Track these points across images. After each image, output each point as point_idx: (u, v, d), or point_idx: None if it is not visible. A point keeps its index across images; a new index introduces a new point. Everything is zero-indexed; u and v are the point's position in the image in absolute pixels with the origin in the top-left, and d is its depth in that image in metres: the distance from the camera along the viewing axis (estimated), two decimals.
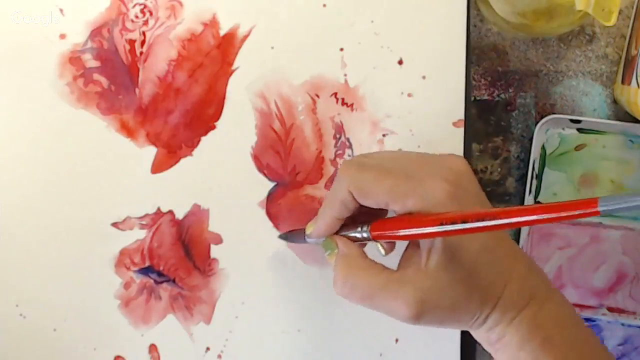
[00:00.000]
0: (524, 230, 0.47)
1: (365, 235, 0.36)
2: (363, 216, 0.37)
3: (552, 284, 0.36)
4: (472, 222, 0.29)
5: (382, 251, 0.37)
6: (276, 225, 0.44)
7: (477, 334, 0.36)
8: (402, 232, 0.33)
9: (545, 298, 0.35)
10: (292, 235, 0.43)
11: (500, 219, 0.28)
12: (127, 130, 0.44)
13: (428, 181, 0.34)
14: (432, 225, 0.31)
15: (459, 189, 0.34)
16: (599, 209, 0.25)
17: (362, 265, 0.35)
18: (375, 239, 0.36)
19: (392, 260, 0.36)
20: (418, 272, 0.34)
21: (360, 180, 0.35)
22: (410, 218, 0.33)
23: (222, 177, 0.44)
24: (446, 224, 0.30)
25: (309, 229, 0.39)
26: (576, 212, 0.26)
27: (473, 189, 0.35)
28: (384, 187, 0.34)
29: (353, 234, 0.37)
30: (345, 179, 0.36)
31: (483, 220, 0.29)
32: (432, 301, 0.33)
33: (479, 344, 0.36)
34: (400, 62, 0.44)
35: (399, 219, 0.34)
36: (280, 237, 0.44)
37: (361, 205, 0.36)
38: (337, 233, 0.38)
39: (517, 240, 0.47)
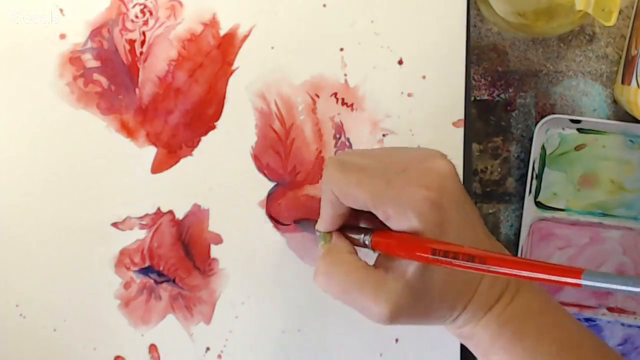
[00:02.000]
0: (524, 231, 0.47)
1: (367, 243, 0.36)
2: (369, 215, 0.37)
3: None
4: (461, 259, 0.30)
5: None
6: (276, 225, 0.44)
7: (449, 330, 0.37)
8: (398, 251, 0.34)
9: (516, 290, 0.35)
10: (307, 223, 0.43)
11: (488, 265, 0.29)
12: (127, 130, 0.44)
13: (409, 189, 0.33)
14: (422, 255, 0.32)
15: (442, 196, 0.34)
16: (582, 282, 0.26)
17: (345, 260, 0.35)
18: (374, 249, 0.36)
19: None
20: (396, 275, 0.34)
21: (342, 183, 0.35)
22: (405, 239, 0.33)
23: (222, 177, 0.44)
24: (438, 254, 0.31)
25: (317, 224, 0.39)
26: (559, 279, 0.27)
27: (457, 192, 0.35)
28: (364, 193, 0.34)
29: (356, 237, 0.37)
30: (328, 181, 0.36)
31: (472, 261, 0.30)
32: (407, 306, 0.33)
33: None
34: (400, 62, 0.44)
35: (395, 237, 0.34)
36: (296, 223, 0.44)
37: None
38: (343, 230, 0.38)
39: (517, 240, 0.47)
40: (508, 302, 0.35)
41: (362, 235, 0.36)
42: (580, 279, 0.26)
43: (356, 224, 0.38)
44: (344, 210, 0.36)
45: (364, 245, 0.36)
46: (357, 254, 0.36)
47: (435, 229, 0.33)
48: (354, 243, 0.37)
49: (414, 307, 0.34)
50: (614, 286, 0.25)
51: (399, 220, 0.33)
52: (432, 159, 0.35)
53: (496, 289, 0.35)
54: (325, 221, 0.37)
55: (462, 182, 0.36)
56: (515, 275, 0.28)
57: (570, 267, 0.27)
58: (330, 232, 0.38)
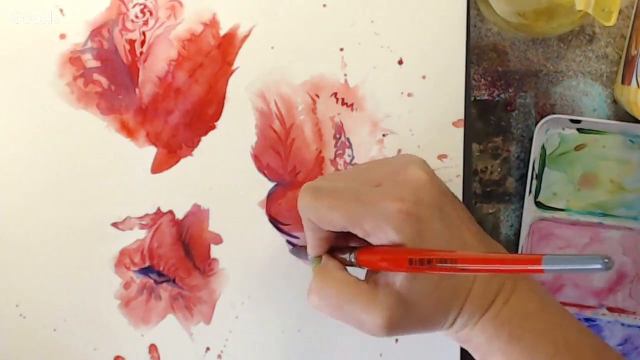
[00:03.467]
0: (524, 231, 0.47)
1: (353, 260, 0.36)
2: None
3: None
4: (435, 263, 0.31)
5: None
6: (276, 225, 0.44)
7: (448, 335, 0.37)
8: (380, 264, 0.34)
9: (512, 290, 0.35)
10: (299, 250, 0.43)
11: (459, 264, 0.30)
12: (127, 130, 0.44)
13: (382, 203, 0.34)
14: (402, 265, 0.32)
15: (418, 206, 0.34)
16: (543, 267, 0.27)
17: (335, 277, 0.36)
18: (360, 265, 0.36)
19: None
20: (385, 287, 0.34)
21: (316, 209, 0.35)
22: (386, 252, 0.34)
23: (222, 177, 0.44)
24: (415, 263, 0.32)
25: (307, 249, 0.39)
26: (520, 267, 0.28)
27: (434, 199, 0.35)
28: (338, 214, 0.34)
29: (343, 257, 0.37)
30: (302, 210, 0.36)
31: (445, 262, 0.31)
32: (400, 316, 0.34)
33: None
34: (400, 62, 0.44)
35: (376, 252, 0.34)
36: (291, 251, 0.44)
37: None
38: (331, 252, 0.38)
39: (517, 240, 0.47)
40: (503, 303, 0.35)
41: (348, 254, 0.37)
42: (540, 264, 0.26)
43: (346, 244, 0.38)
44: (326, 234, 0.37)
45: (351, 264, 0.37)
46: (347, 270, 0.37)
47: (416, 239, 0.33)
48: (343, 263, 0.37)
49: (407, 316, 0.34)
50: (573, 266, 0.26)
51: (378, 235, 0.34)
52: (406, 169, 0.35)
53: (490, 291, 0.35)
54: (312, 247, 0.38)
55: (441, 186, 0.36)
56: (483, 270, 0.30)
57: (532, 255, 0.27)
58: (319, 256, 0.38)
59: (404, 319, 0.34)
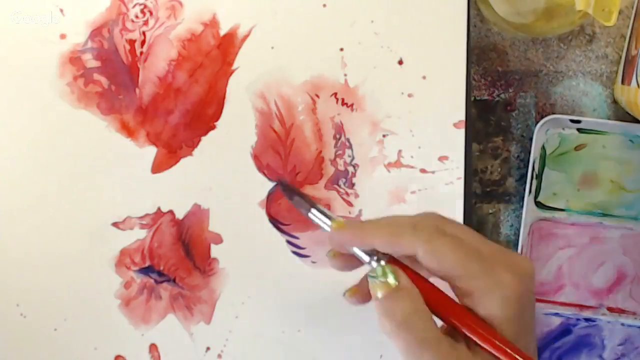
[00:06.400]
0: (524, 231, 0.47)
1: (379, 264, 0.33)
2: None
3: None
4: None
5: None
6: (276, 225, 0.44)
7: None
8: (451, 318, 0.32)
9: None
10: (298, 199, 0.38)
11: None
12: (127, 130, 0.44)
13: (501, 271, 0.32)
14: (494, 346, 0.31)
15: (525, 294, 0.32)
16: None
17: (428, 316, 0.32)
18: (389, 264, 0.33)
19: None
20: (467, 353, 0.32)
21: (439, 241, 0.32)
22: (474, 320, 0.32)
23: (222, 177, 0.44)
24: (498, 349, 0.31)
25: (339, 225, 0.35)
26: None
27: (532, 297, 0.33)
28: (458, 257, 0.32)
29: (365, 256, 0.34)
30: (421, 238, 0.32)
31: None
32: None
33: None
34: (400, 62, 0.44)
35: (460, 310, 0.32)
36: (285, 190, 0.41)
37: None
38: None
39: (517, 240, 0.47)
40: None
41: (371, 257, 0.34)
42: None
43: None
44: (394, 251, 0.33)
45: (367, 263, 0.34)
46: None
47: (513, 322, 0.32)
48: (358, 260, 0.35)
49: None
50: None
51: (482, 298, 0.32)
52: (513, 255, 0.34)
53: None
54: (366, 239, 0.34)
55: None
56: None
57: None
58: (391, 266, 0.33)
59: None
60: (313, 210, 0.37)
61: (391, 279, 0.33)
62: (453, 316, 0.32)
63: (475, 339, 0.32)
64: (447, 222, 0.34)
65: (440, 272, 0.32)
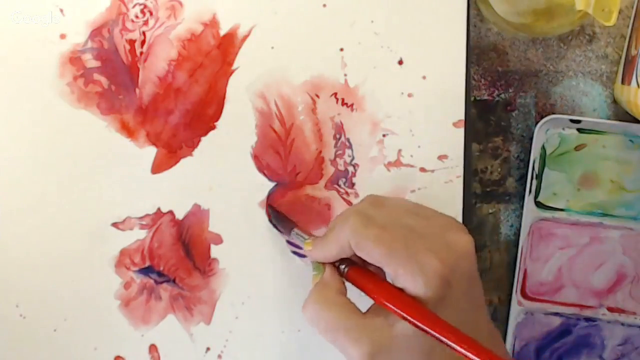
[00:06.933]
0: (524, 231, 0.47)
1: (343, 271, 0.37)
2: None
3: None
4: (436, 332, 0.32)
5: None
6: (276, 226, 0.44)
7: None
8: (373, 295, 0.35)
9: None
10: (281, 222, 0.43)
11: (462, 347, 0.31)
12: (127, 130, 0.44)
13: (425, 258, 0.34)
14: (412, 314, 0.33)
15: (453, 274, 0.34)
16: None
17: (336, 301, 0.36)
18: (348, 279, 0.37)
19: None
20: (383, 326, 0.34)
21: (362, 236, 0.35)
22: (400, 296, 0.34)
23: (222, 177, 0.44)
24: (410, 319, 0.33)
25: (308, 246, 0.39)
26: None
27: (468, 273, 0.35)
28: (381, 251, 0.34)
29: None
30: (348, 231, 0.36)
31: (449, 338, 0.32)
32: (385, 358, 0.34)
33: None
34: (400, 62, 0.44)
35: (389, 289, 0.35)
36: (271, 212, 0.44)
37: None
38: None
39: (517, 240, 0.47)
40: None
41: (339, 263, 0.38)
42: None
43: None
44: (347, 255, 0.37)
45: (340, 272, 0.38)
46: (346, 295, 0.37)
47: (437, 302, 0.33)
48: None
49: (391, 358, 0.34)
50: None
51: (407, 282, 0.34)
52: (455, 232, 0.36)
53: None
54: (326, 256, 0.38)
55: (476, 265, 0.36)
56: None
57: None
58: (324, 264, 0.38)
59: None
60: (292, 233, 0.42)
61: (315, 272, 0.38)
62: (384, 298, 0.35)
63: (394, 309, 0.34)
64: (379, 205, 0.38)
65: (368, 260, 0.36)
